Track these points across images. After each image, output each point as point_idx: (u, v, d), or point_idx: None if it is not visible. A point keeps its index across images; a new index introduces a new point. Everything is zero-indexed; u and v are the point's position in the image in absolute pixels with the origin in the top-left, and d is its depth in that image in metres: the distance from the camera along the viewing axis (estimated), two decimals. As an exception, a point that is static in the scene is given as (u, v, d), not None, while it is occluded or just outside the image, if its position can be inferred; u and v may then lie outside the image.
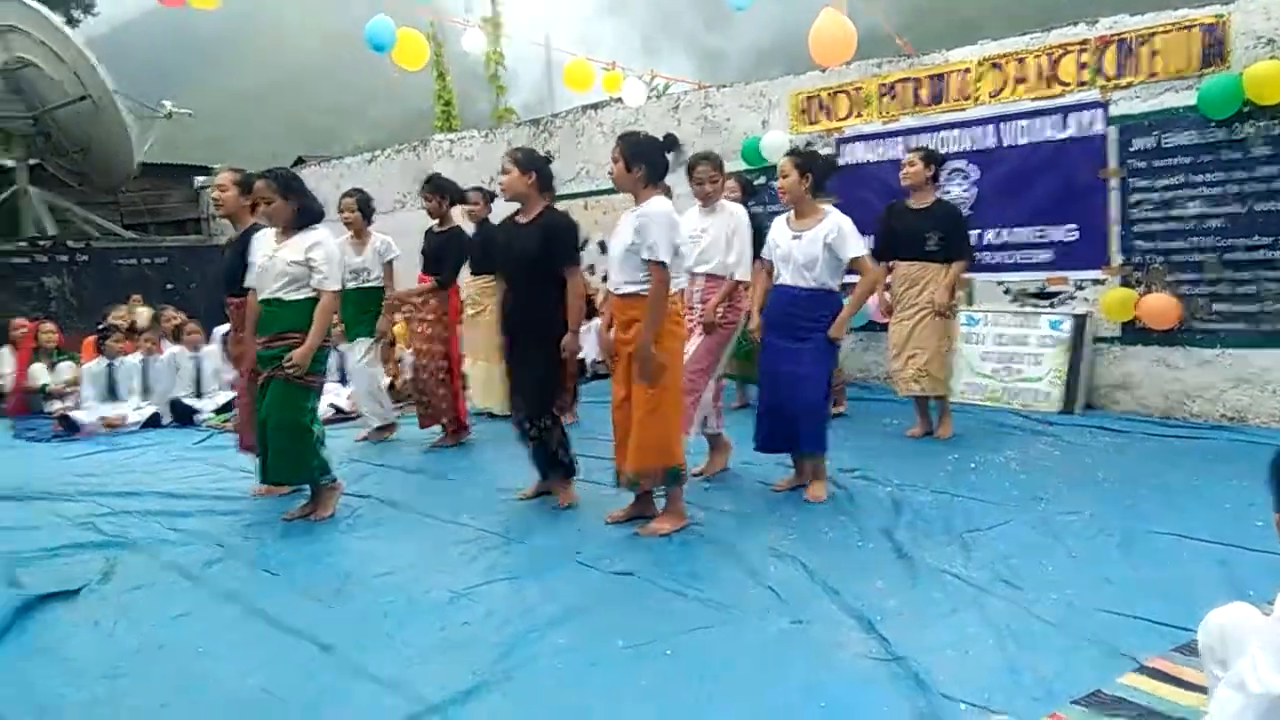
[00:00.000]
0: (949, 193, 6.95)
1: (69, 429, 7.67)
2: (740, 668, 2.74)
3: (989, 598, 3.20)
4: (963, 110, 7.08)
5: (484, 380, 6.81)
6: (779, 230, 4.63)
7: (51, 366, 8.68)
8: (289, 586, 3.67)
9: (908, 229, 5.68)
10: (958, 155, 7.05)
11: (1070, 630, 2.89)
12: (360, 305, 6.39)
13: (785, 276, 4.57)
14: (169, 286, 12.33)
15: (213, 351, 8.44)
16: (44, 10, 13.42)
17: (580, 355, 7.39)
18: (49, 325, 9.04)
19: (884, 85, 7.52)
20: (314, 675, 2.83)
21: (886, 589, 3.31)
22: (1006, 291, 6.99)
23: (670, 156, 4.15)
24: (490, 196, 6.71)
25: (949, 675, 2.60)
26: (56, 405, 8.16)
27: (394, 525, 4.51)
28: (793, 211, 4.60)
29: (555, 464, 4.64)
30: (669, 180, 4.36)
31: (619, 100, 9.57)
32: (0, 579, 3.68)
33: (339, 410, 7.75)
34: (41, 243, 12.26)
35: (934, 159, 5.71)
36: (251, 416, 4.95)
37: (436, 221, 6.35)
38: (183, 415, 7.97)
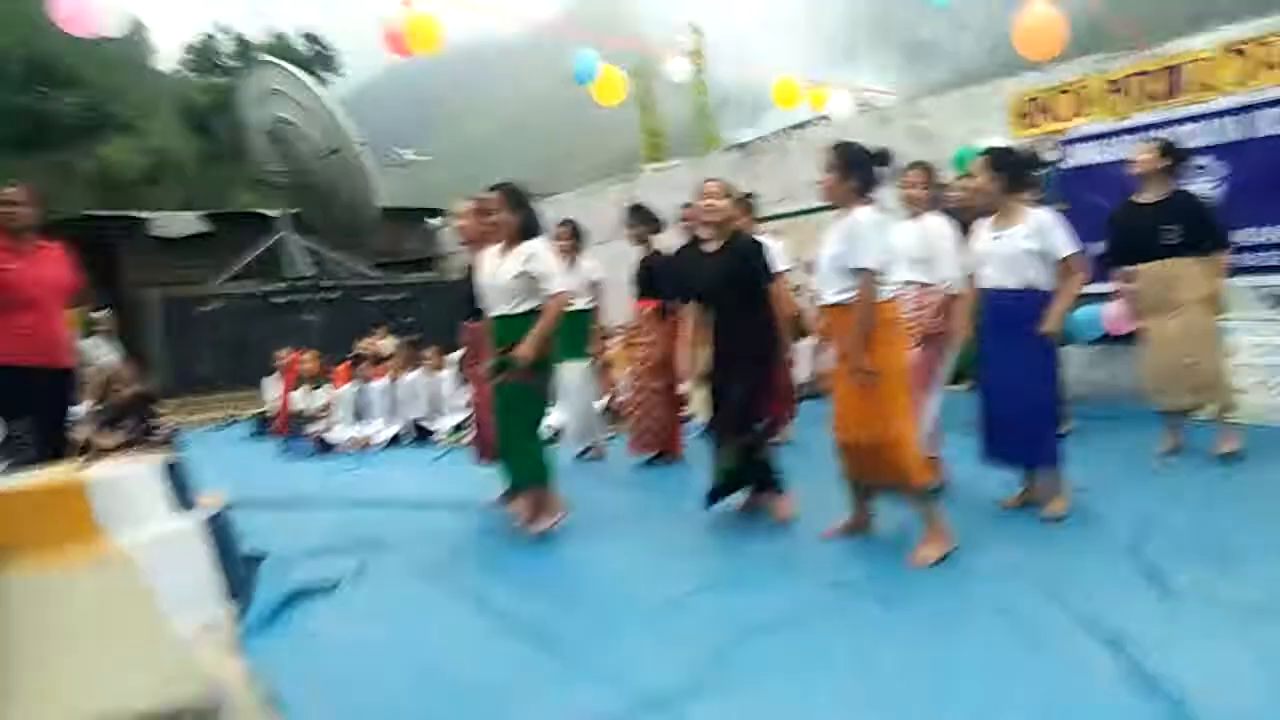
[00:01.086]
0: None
1: (324, 448, 8.45)
2: (970, 687, 2.63)
3: (1257, 623, 2.90)
4: (1204, 102, 6.53)
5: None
6: (981, 233, 4.46)
7: (310, 392, 9.60)
8: (517, 587, 3.88)
9: (1141, 225, 5.21)
10: (1201, 150, 6.50)
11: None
12: (571, 328, 6.59)
13: (988, 280, 4.39)
14: (408, 319, 13.35)
15: (448, 376, 9.06)
16: (299, 73, 15.03)
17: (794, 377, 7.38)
18: (308, 355, 10.00)
19: (1111, 82, 7.07)
20: (538, 668, 2.98)
21: (1134, 610, 3.08)
22: (1264, 298, 6.35)
23: (883, 170, 4.06)
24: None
25: (1209, 699, 2.39)
26: (314, 427, 9.00)
27: (609, 534, 4.65)
28: (995, 215, 4.40)
29: (763, 473, 4.62)
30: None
31: (825, 118, 9.53)
32: (269, 574, 4.11)
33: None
34: (300, 283, 13.62)
35: (1171, 151, 5.23)
36: (490, 430, 5.27)
37: (643, 248, 6.52)
38: (422, 435, 8.60)
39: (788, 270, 6.37)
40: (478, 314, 5.06)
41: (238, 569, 4.01)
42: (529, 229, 4.62)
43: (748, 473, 4.66)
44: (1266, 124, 6.24)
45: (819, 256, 4.04)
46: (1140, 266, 5.28)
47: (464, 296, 5.30)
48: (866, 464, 3.93)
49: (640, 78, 17.02)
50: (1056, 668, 2.70)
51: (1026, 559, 3.68)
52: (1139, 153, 5.25)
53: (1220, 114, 6.43)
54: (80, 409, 7.83)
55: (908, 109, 8.77)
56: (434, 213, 17.35)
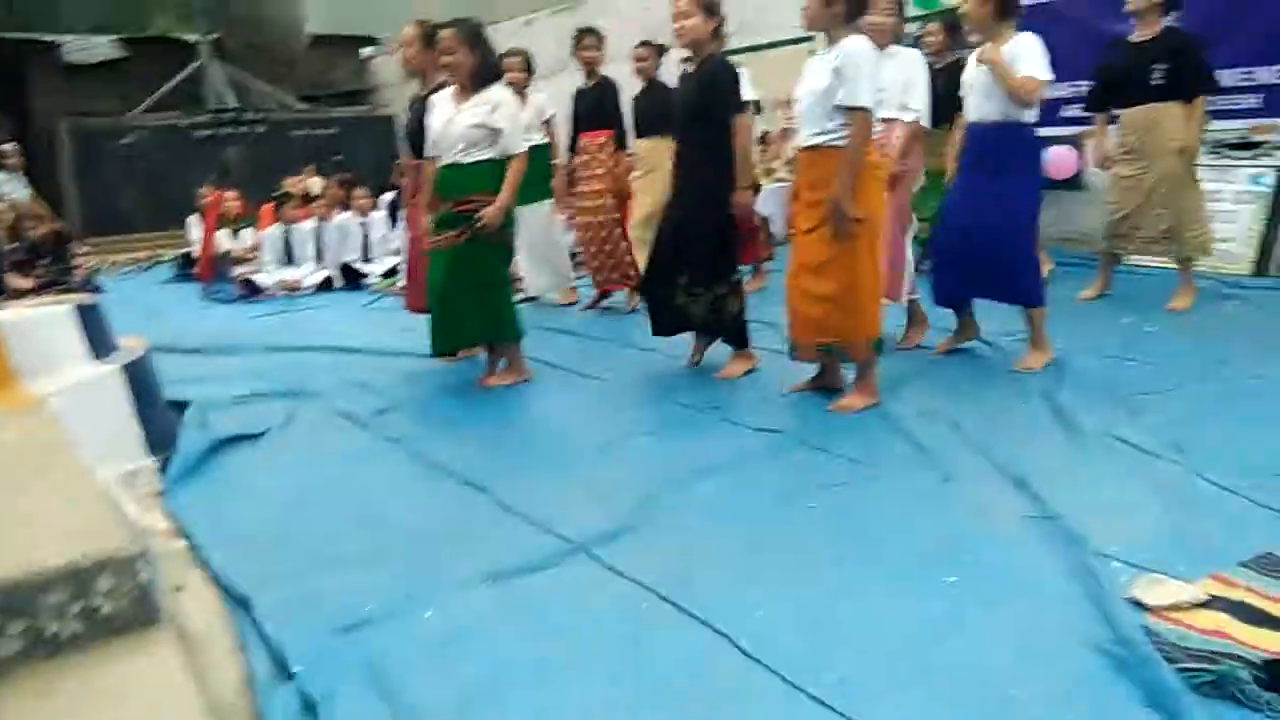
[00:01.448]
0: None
1: (251, 291, 8.23)
2: (883, 521, 2.72)
3: (1155, 461, 3.03)
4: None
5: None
6: (969, 64, 4.25)
7: (234, 233, 9.26)
8: (449, 434, 3.87)
9: (1128, 64, 5.02)
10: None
11: (1242, 495, 2.71)
12: (529, 168, 6.33)
13: (972, 112, 4.20)
14: (337, 156, 12.83)
15: (380, 217, 8.79)
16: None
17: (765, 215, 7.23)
18: (231, 194, 9.60)
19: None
20: (469, 512, 3.00)
21: (1043, 450, 3.19)
22: (1215, 145, 6.33)
23: None
24: (661, 50, 6.42)
25: (1106, 535, 2.49)
26: (239, 270, 8.74)
27: (549, 382, 4.64)
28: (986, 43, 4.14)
29: (735, 331, 4.44)
30: None
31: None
32: (193, 422, 4.03)
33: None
34: (222, 115, 12.93)
35: None
36: (423, 279, 5.14)
37: (585, 75, 6.22)
38: (352, 278, 8.40)
39: (752, 102, 6.12)
40: (416, 151, 4.84)
41: (160, 417, 3.93)
42: (488, 72, 4.35)
43: (715, 327, 4.49)
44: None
45: (799, 92, 3.76)
46: (1124, 111, 5.14)
47: (409, 132, 5.04)
48: (827, 316, 3.76)
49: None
50: (964, 504, 2.81)
51: (947, 404, 3.75)
52: None
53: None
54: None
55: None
56: (367, 41, 16.42)
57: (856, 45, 3.56)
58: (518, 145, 4.34)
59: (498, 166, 4.34)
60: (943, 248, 4.40)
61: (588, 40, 6.21)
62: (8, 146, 10.10)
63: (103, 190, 12.14)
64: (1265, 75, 5.96)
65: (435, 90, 4.69)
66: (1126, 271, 5.92)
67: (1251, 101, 6.05)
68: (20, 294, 6.78)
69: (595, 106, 6.23)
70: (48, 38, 14.46)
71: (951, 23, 5.32)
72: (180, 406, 4.14)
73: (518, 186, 4.37)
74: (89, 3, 22.66)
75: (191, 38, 14.47)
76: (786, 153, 7.59)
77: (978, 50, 4.17)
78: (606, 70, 6.31)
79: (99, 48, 14.77)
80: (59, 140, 12.13)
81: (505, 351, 4.63)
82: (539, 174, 6.29)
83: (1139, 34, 5.04)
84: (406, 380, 4.84)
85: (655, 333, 4.68)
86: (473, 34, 4.32)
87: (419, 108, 4.84)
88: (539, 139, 6.31)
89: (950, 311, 4.57)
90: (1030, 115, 4.07)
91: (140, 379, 3.68)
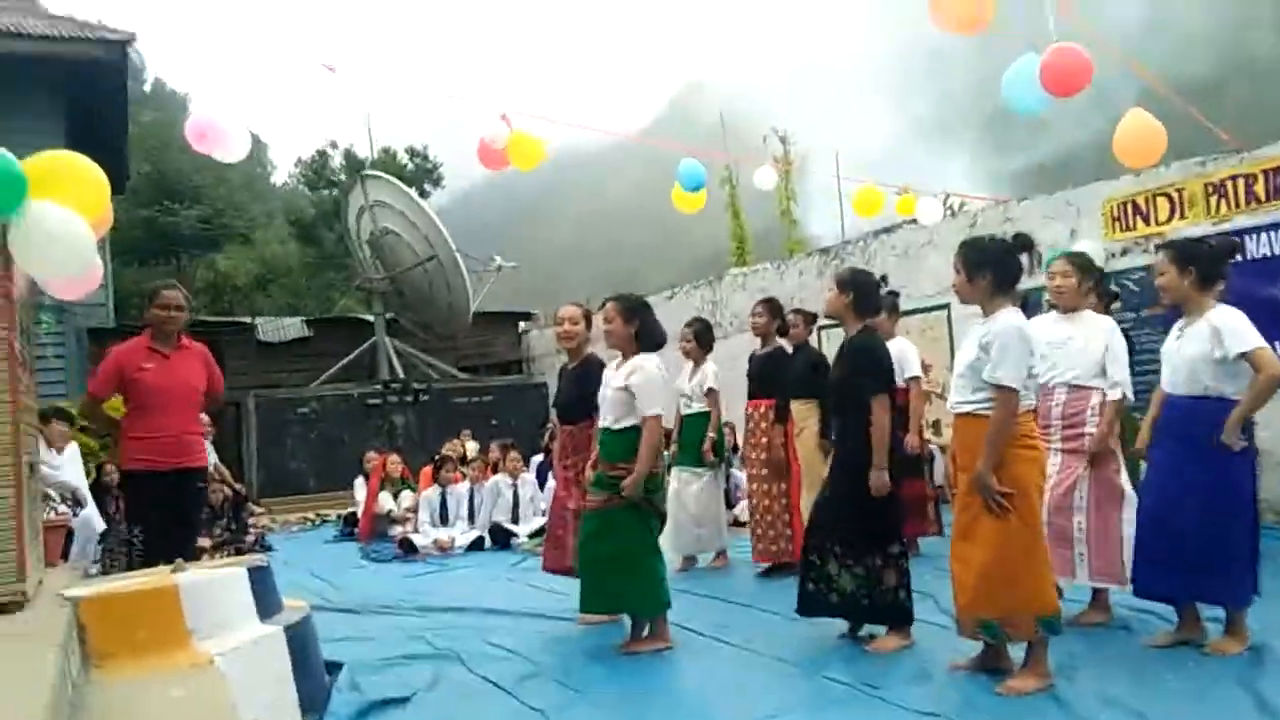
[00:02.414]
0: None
1: (407, 551, 8.50)
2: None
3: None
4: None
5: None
6: (1171, 333, 4.11)
7: (395, 495, 9.73)
8: (590, 703, 3.77)
9: None
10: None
11: None
12: (688, 434, 6.54)
13: (1168, 384, 4.01)
14: (494, 422, 13.53)
15: (529, 480, 9.09)
16: (402, 186, 15.81)
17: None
18: (395, 457, 10.19)
19: (1210, 184, 6.88)
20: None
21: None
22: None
23: (1025, 259, 3.67)
24: (811, 319, 6.68)
25: None
26: (398, 529, 9.08)
27: (694, 649, 4.50)
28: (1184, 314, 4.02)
29: (889, 608, 4.19)
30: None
31: (913, 221, 9.49)
32: (345, 684, 4.08)
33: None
34: (392, 385, 13.99)
35: None
36: (563, 539, 5.25)
37: (760, 343, 6.42)
38: (502, 539, 8.59)
39: (915, 376, 6.23)
40: (573, 417, 5.12)
41: (316, 678, 4.01)
42: (644, 341, 4.58)
43: (867, 605, 4.24)
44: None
45: (957, 358, 3.80)
46: None
47: (562, 398, 5.35)
48: (983, 589, 3.57)
49: (728, 184, 17.30)
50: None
51: (1130, 691, 3.41)
52: None
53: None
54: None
55: (997, 212, 8.68)
56: (522, 316, 17.75)
57: (1008, 321, 3.58)
58: (648, 409, 4.42)
59: (639, 432, 4.46)
60: (1144, 535, 4.06)
61: (758, 309, 6.44)
62: (202, 416, 11.13)
63: (280, 455, 13.09)
64: None
65: (583, 363, 5.04)
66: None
67: None
68: (199, 554, 7.23)
69: (762, 375, 6.34)
70: (245, 319, 16.34)
71: (1106, 289, 5.13)
72: (334, 667, 4.21)
73: (654, 451, 4.45)
74: (282, 289, 25.62)
75: (369, 317, 15.99)
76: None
77: (1178, 326, 4.02)
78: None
79: (289, 328, 16.53)
80: (245, 409, 13.30)
81: (649, 618, 4.57)
82: (697, 441, 6.52)
83: None
84: (552, 644, 4.78)
85: (799, 610, 4.49)
86: (628, 306, 4.62)
87: (569, 376, 5.19)
88: (698, 408, 6.53)
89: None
90: (1236, 389, 3.80)
91: (300, 641, 3.78)
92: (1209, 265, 3.93)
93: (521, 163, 7.80)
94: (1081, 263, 4.61)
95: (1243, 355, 3.73)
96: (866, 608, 4.27)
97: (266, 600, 3.87)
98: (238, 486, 9.87)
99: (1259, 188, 6.59)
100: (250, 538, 8.92)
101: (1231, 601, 3.85)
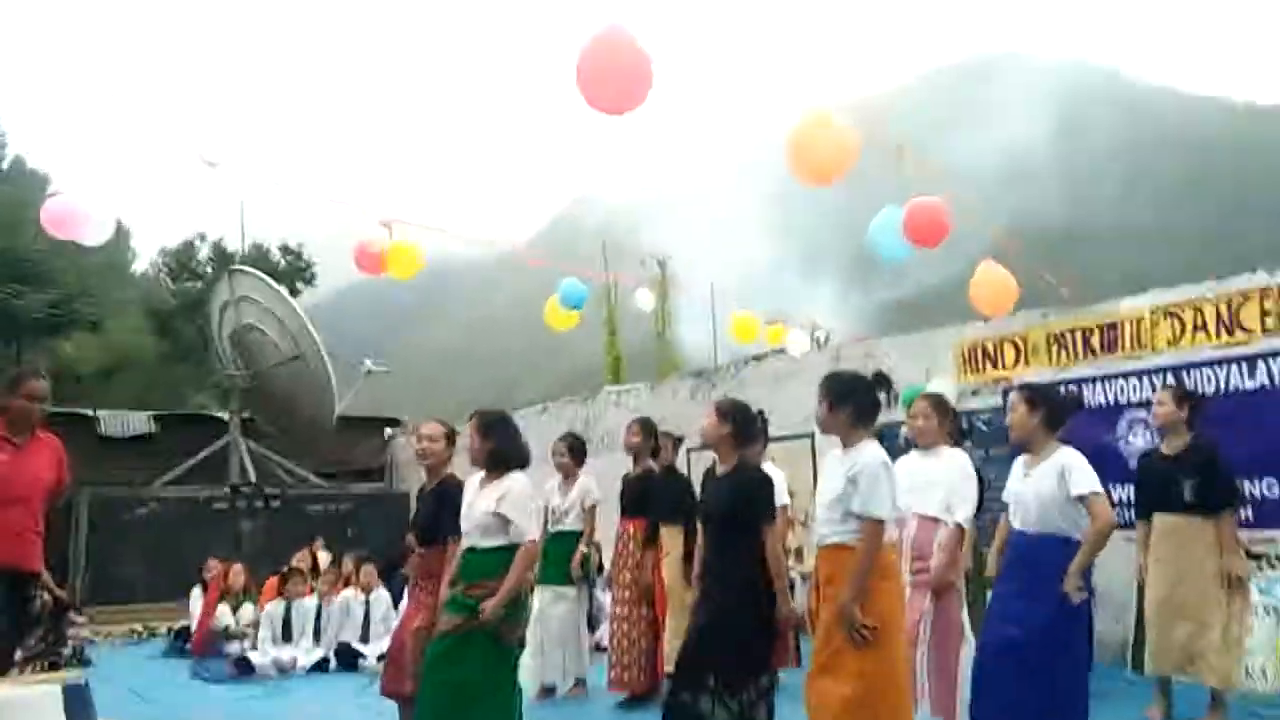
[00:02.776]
0: (1129, 444, 6.60)
1: (244, 670, 7.90)
2: None
3: None
4: (1140, 358, 6.83)
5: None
6: (1014, 470, 4.27)
7: (235, 608, 9.10)
8: None
9: (1158, 478, 5.09)
10: (1136, 405, 6.73)
11: None
12: (557, 551, 6.31)
13: (1018, 522, 4.15)
14: (350, 532, 12.95)
15: (382, 597, 8.67)
16: (271, 282, 15.39)
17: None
18: (238, 567, 9.57)
19: (1052, 334, 7.41)
20: None
21: None
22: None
23: (882, 396, 3.89)
24: (677, 442, 6.69)
25: None
26: (235, 646, 8.46)
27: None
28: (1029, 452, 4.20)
29: None
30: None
31: (781, 351, 9.81)
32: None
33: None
34: (242, 489, 13.27)
35: (1188, 396, 5.16)
36: (402, 660, 4.98)
37: (632, 463, 6.38)
38: (349, 660, 8.10)
39: (783, 505, 6.22)
40: (431, 540, 4.89)
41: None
42: (502, 459, 4.48)
43: None
44: (1197, 383, 6.49)
45: (819, 488, 3.87)
46: (1156, 520, 5.12)
47: (421, 519, 5.12)
48: None
49: (606, 302, 17.62)
50: None
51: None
52: (1157, 402, 5.20)
53: (1156, 370, 6.70)
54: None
55: (860, 348, 9.08)
56: (389, 422, 17.29)
57: (874, 454, 3.69)
58: (524, 534, 4.31)
59: (509, 554, 4.30)
60: (981, 671, 4.11)
61: (634, 427, 6.43)
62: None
63: (111, 559, 12.12)
64: (1255, 489, 6.13)
65: (441, 482, 4.87)
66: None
67: (1244, 513, 6.15)
68: (8, 667, 6.53)
69: (635, 495, 6.30)
70: (86, 410, 15.33)
71: (955, 424, 5.26)
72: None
73: (521, 578, 4.30)
74: (131, 381, 24.33)
75: (223, 415, 15.27)
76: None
77: (1024, 465, 4.19)
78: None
79: (134, 421, 15.57)
80: (77, 507, 12.35)
81: None
82: (565, 558, 6.34)
83: (1168, 445, 5.16)
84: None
85: None
86: (485, 423, 4.53)
87: (427, 497, 5.00)
88: (570, 525, 6.38)
89: None
90: (1081, 531, 3.94)
91: (112, 774, 3.44)
92: (1057, 408, 4.20)
93: (399, 270, 7.75)
94: (939, 403, 4.85)
95: (1080, 499, 3.91)
96: None
97: (78, 724, 3.53)
98: (59, 593, 9.03)
99: (1095, 341, 7.13)
100: (67, 650, 8.12)
101: None
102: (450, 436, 5.00)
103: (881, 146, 6.01)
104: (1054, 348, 7.39)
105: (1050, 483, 4.00)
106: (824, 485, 3.83)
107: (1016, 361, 7.65)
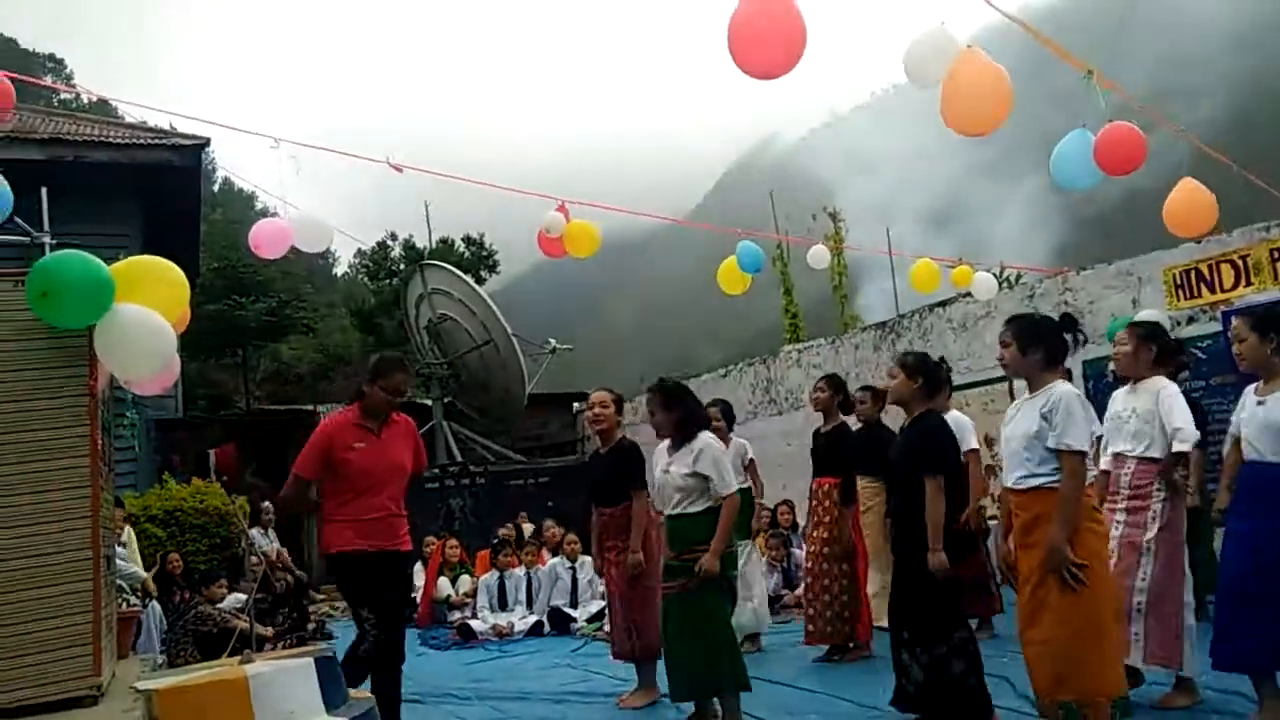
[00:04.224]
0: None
1: (466, 637, 8.45)
2: None
3: None
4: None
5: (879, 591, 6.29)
6: (1245, 399, 4.04)
7: (454, 580, 9.72)
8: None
9: None
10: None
11: None
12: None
13: (1252, 453, 3.92)
14: (550, 504, 13.49)
15: (587, 562, 9.03)
16: (459, 273, 16.19)
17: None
18: (453, 542, 10.20)
19: (1276, 249, 6.76)
20: None
21: None
22: None
23: (1070, 338, 3.76)
24: (881, 395, 6.62)
25: None
26: (456, 615, 9.06)
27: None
28: (1262, 380, 3.97)
29: (960, 697, 3.95)
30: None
31: (968, 295, 9.42)
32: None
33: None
34: (450, 468, 14.08)
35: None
36: (628, 624, 5.21)
37: (822, 420, 6.38)
38: (561, 623, 8.51)
39: (974, 449, 6.19)
40: (610, 501, 5.14)
41: (378, 770, 3.97)
42: (690, 425, 4.63)
43: (939, 696, 4.04)
44: None
45: (1005, 434, 3.77)
46: None
47: (595, 483, 5.38)
48: (1060, 671, 3.47)
49: (779, 261, 17.39)
50: None
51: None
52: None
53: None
54: (241, 597, 8.16)
55: (1055, 284, 8.59)
56: (577, 397, 17.85)
57: (1064, 389, 3.59)
58: (726, 488, 4.48)
59: (712, 517, 4.47)
60: (1223, 607, 3.94)
61: (820, 384, 6.41)
62: (266, 504, 11.32)
63: (340, 541, 13.14)
64: None
65: (615, 447, 5.06)
66: None
67: None
68: (261, 643, 7.28)
69: (827, 452, 6.29)
70: (308, 407, 16.65)
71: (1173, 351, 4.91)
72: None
73: (730, 529, 4.48)
74: (345, 376, 26.15)
75: (428, 401, 16.21)
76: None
77: (1257, 392, 3.96)
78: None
79: (346, 415, 16.76)
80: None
81: (725, 704, 4.47)
82: (741, 516, 6.45)
83: None
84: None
85: (892, 702, 4.29)
86: (668, 393, 4.67)
87: (607, 460, 5.21)
88: (739, 484, 6.46)
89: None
90: None
91: (365, 732, 3.77)
92: None
93: (578, 250, 7.97)
94: (1143, 330, 4.55)
95: None
96: (939, 699, 4.07)
97: (332, 691, 3.87)
98: (299, 573, 9.95)
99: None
100: (311, 625, 8.95)
101: None
102: (619, 402, 5.23)
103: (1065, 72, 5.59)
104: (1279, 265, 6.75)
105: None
106: (1014, 429, 3.71)
107: (1236, 283, 7.03)
